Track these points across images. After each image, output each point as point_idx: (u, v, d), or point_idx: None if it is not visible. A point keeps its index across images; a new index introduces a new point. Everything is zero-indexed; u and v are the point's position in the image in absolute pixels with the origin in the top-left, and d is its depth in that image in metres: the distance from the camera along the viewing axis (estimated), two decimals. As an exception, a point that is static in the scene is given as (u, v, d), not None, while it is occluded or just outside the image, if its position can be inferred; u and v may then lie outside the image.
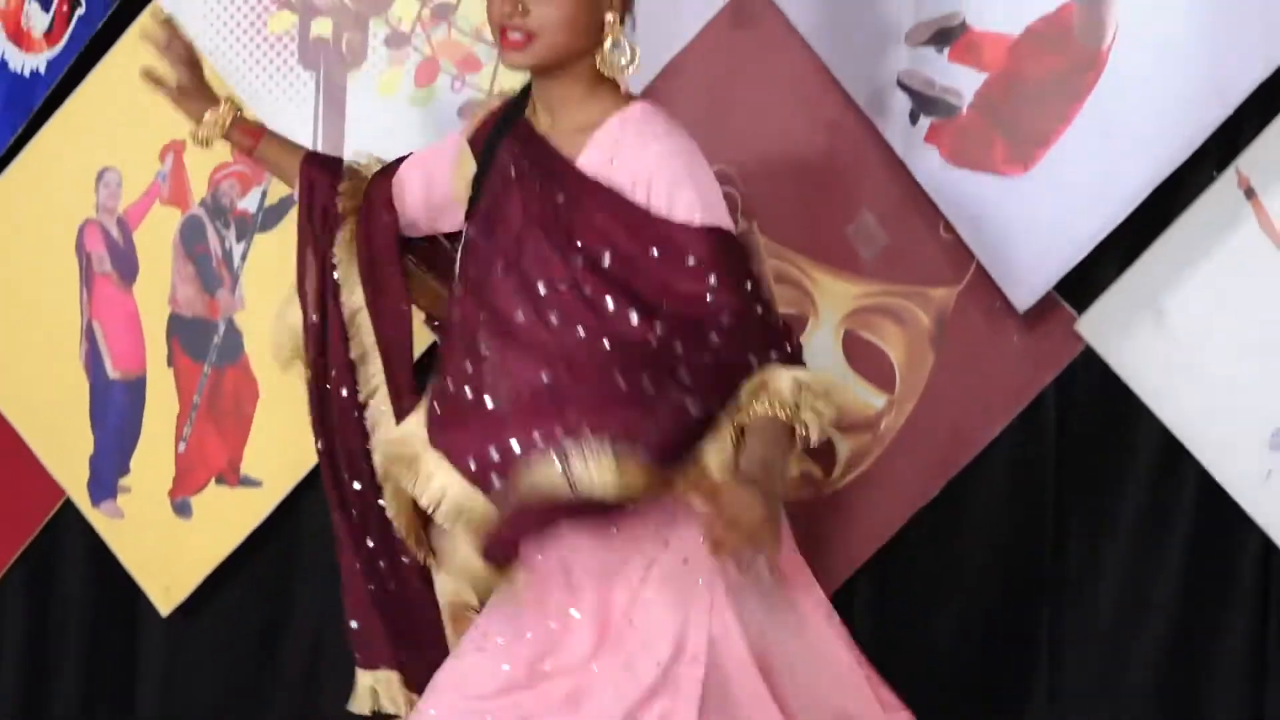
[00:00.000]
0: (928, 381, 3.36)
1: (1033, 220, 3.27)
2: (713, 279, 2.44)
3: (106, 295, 3.73)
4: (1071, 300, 3.28)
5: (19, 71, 3.78)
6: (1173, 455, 3.30)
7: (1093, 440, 3.37)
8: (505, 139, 2.63)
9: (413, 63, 3.52)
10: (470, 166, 2.68)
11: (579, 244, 2.49)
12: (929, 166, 3.29)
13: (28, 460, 3.81)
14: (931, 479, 3.37)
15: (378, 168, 2.84)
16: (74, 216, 3.75)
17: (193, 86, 2.90)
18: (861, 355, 3.38)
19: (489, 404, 2.51)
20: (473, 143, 2.71)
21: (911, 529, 3.40)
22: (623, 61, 2.55)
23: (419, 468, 2.56)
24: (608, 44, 2.54)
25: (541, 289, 2.49)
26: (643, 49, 3.31)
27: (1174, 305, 3.26)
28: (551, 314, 2.48)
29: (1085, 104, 3.23)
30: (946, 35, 3.28)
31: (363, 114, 3.54)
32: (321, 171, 2.84)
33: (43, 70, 3.75)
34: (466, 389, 2.54)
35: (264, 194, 3.59)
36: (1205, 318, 3.27)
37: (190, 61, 2.89)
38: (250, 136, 2.91)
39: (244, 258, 3.64)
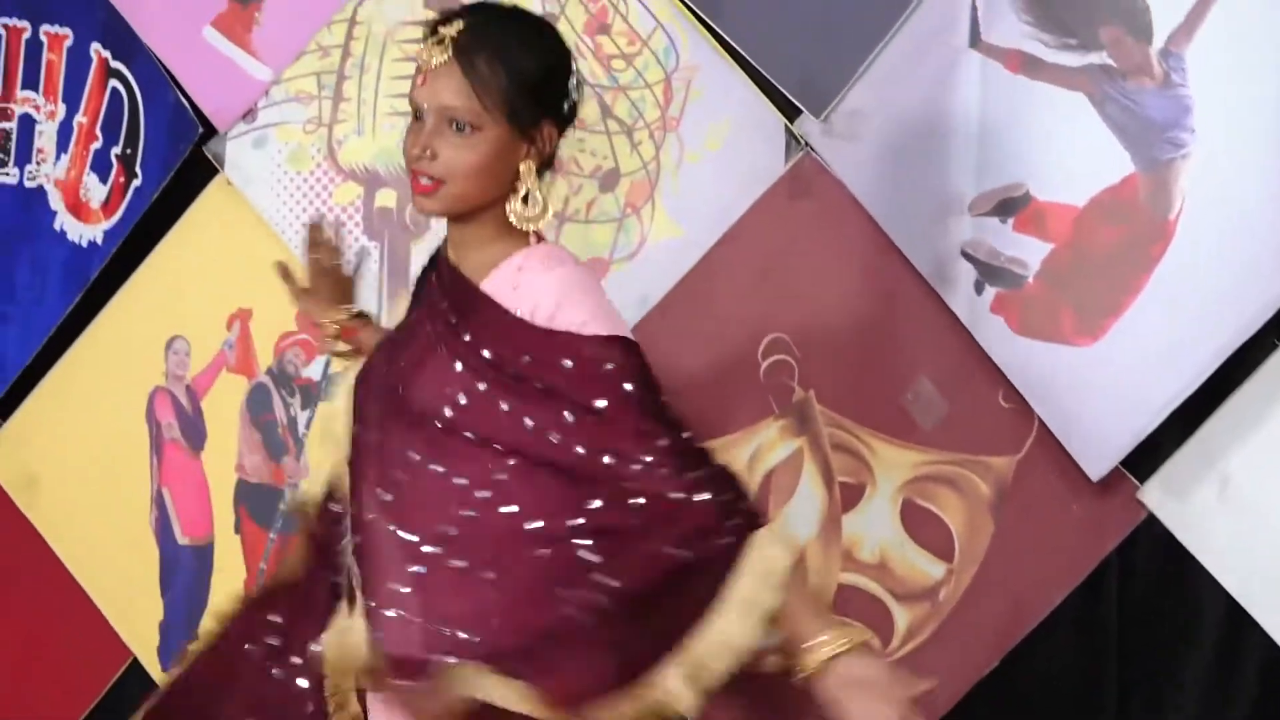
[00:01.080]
0: (987, 550, 3.39)
1: (1103, 390, 3.29)
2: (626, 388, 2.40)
3: (175, 462, 3.84)
4: (1132, 468, 3.30)
5: (77, 242, 3.89)
6: (1237, 623, 3.29)
7: (1155, 608, 3.37)
8: (425, 276, 2.63)
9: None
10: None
11: (485, 355, 2.43)
12: (996, 337, 3.33)
13: (97, 622, 3.91)
14: (991, 649, 3.38)
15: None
16: (144, 384, 3.86)
17: (319, 291, 2.90)
18: (920, 524, 3.41)
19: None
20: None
21: (972, 700, 3.40)
22: (530, 214, 2.49)
23: None
24: (518, 196, 2.48)
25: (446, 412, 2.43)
26: (696, 220, 3.44)
27: (1238, 472, 3.27)
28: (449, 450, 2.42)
29: (1153, 274, 3.25)
30: (1010, 205, 3.32)
31: None
32: None
33: (100, 241, 3.86)
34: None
35: (327, 362, 3.68)
36: (1269, 485, 3.27)
37: (329, 271, 2.91)
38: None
39: (308, 425, 3.73)
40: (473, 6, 2.54)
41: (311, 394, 3.72)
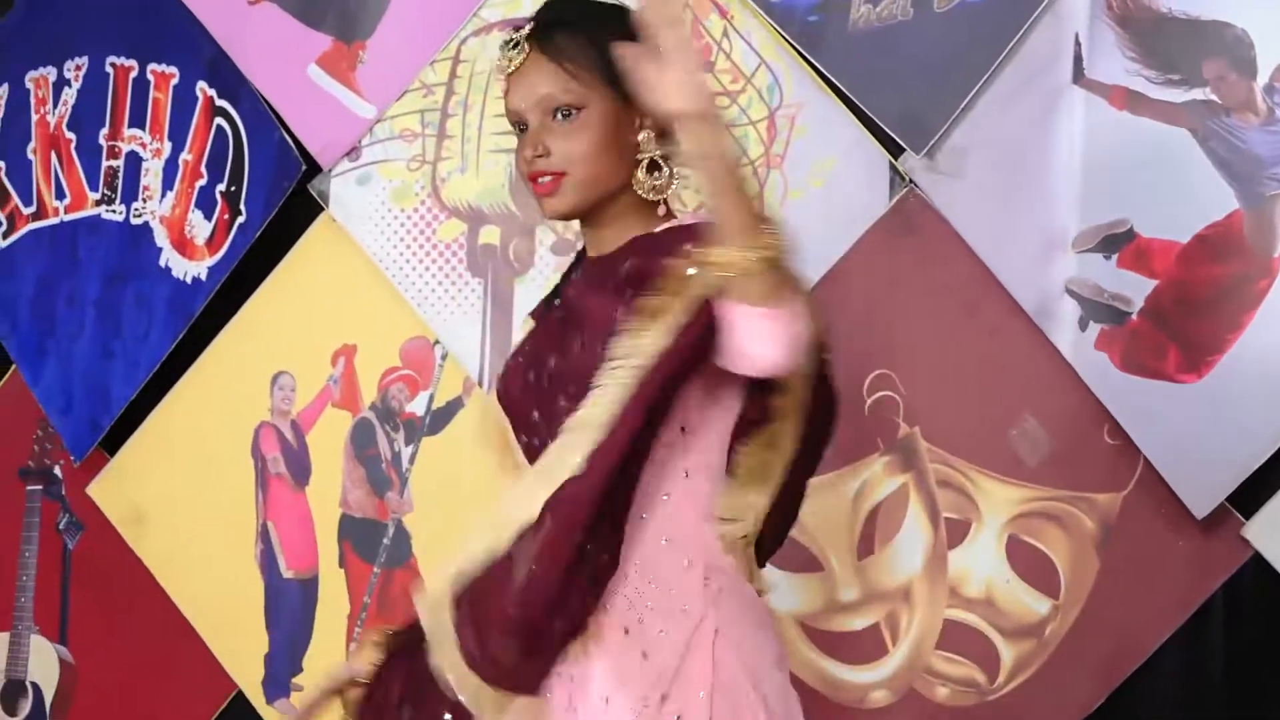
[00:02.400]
0: (1093, 587, 3.39)
1: (1208, 427, 3.30)
2: None
3: (281, 496, 3.87)
4: (1238, 504, 3.30)
5: (181, 278, 3.92)
6: (1348, 664, 3.29)
7: (1262, 647, 3.37)
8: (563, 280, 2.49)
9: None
10: None
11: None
12: (1100, 373, 3.35)
13: (201, 655, 3.94)
14: (1097, 686, 3.39)
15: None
16: (250, 419, 3.89)
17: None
18: (1025, 560, 3.42)
19: None
20: (534, 314, 2.53)
21: None
22: (659, 181, 2.33)
23: None
24: (641, 167, 2.32)
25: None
26: (803, 254, 3.46)
27: (1345, 509, 3.27)
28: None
29: (1258, 311, 3.27)
30: (1114, 242, 3.35)
31: None
32: None
33: (204, 277, 3.90)
34: None
35: (431, 397, 3.73)
36: (1378, 522, 3.28)
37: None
38: None
39: (412, 460, 3.76)
40: (538, 9, 2.43)
41: (415, 429, 3.75)
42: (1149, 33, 3.34)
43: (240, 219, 3.87)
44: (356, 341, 3.78)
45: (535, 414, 2.37)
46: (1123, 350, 3.35)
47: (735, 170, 2.14)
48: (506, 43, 2.38)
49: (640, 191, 2.34)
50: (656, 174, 2.33)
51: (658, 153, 2.33)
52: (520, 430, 2.42)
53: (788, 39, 3.52)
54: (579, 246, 2.46)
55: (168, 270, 3.95)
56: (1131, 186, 3.35)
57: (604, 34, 2.30)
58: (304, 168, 3.78)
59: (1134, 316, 3.35)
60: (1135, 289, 3.35)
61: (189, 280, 3.92)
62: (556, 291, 2.48)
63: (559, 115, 2.31)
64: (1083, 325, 3.36)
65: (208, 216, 3.92)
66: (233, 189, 3.88)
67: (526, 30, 2.37)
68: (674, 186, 2.35)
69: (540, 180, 2.33)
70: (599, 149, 2.32)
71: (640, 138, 2.33)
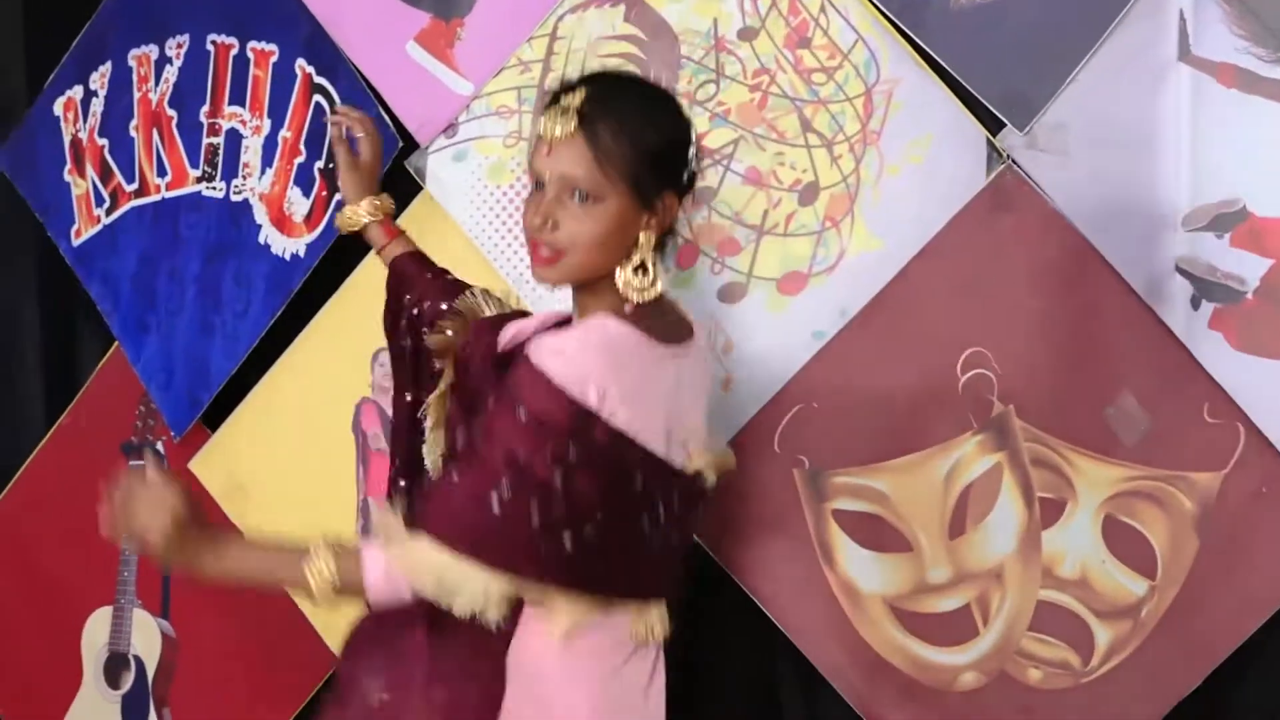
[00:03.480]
0: (1191, 568, 3.40)
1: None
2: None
3: (382, 472, 3.83)
4: (1343, 487, 3.29)
5: (280, 255, 3.98)
6: None
7: (1366, 627, 3.35)
8: None
9: (673, 246, 3.70)
10: None
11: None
12: (1215, 353, 3.36)
13: (302, 629, 3.99)
14: (1194, 668, 3.40)
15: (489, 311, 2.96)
16: (351, 395, 3.93)
17: (359, 165, 3.10)
18: (1122, 540, 3.43)
19: None
20: None
21: None
22: (640, 284, 2.57)
23: None
24: (630, 264, 2.56)
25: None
26: (895, 232, 3.47)
27: None
28: None
29: (1379, 284, 3.28)
30: (1226, 220, 3.36)
31: None
32: (435, 295, 3.02)
33: (302, 254, 3.95)
34: None
35: (528, 373, 3.79)
36: None
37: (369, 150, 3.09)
38: (386, 235, 3.10)
39: None
40: (595, 75, 2.60)
41: (512, 405, 3.80)
42: (1258, 10, 3.34)
43: (338, 196, 3.84)
44: None
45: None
46: (1238, 329, 3.36)
47: (243, 567, 2.59)
48: (554, 103, 2.54)
49: (620, 285, 2.58)
50: (643, 277, 2.56)
51: (649, 256, 2.56)
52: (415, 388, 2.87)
53: (887, 14, 3.54)
54: None
55: (266, 247, 4.01)
56: (1243, 165, 3.36)
57: (644, 134, 2.51)
58: (400, 144, 3.82)
59: (1249, 296, 3.36)
60: (1250, 268, 3.36)
61: (287, 257, 3.98)
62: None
63: (577, 196, 2.51)
64: (1195, 304, 3.38)
65: (306, 194, 3.97)
66: (330, 166, 3.91)
67: (577, 101, 2.52)
68: (650, 293, 2.58)
69: (541, 250, 2.56)
70: (603, 240, 2.55)
71: (641, 238, 2.57)
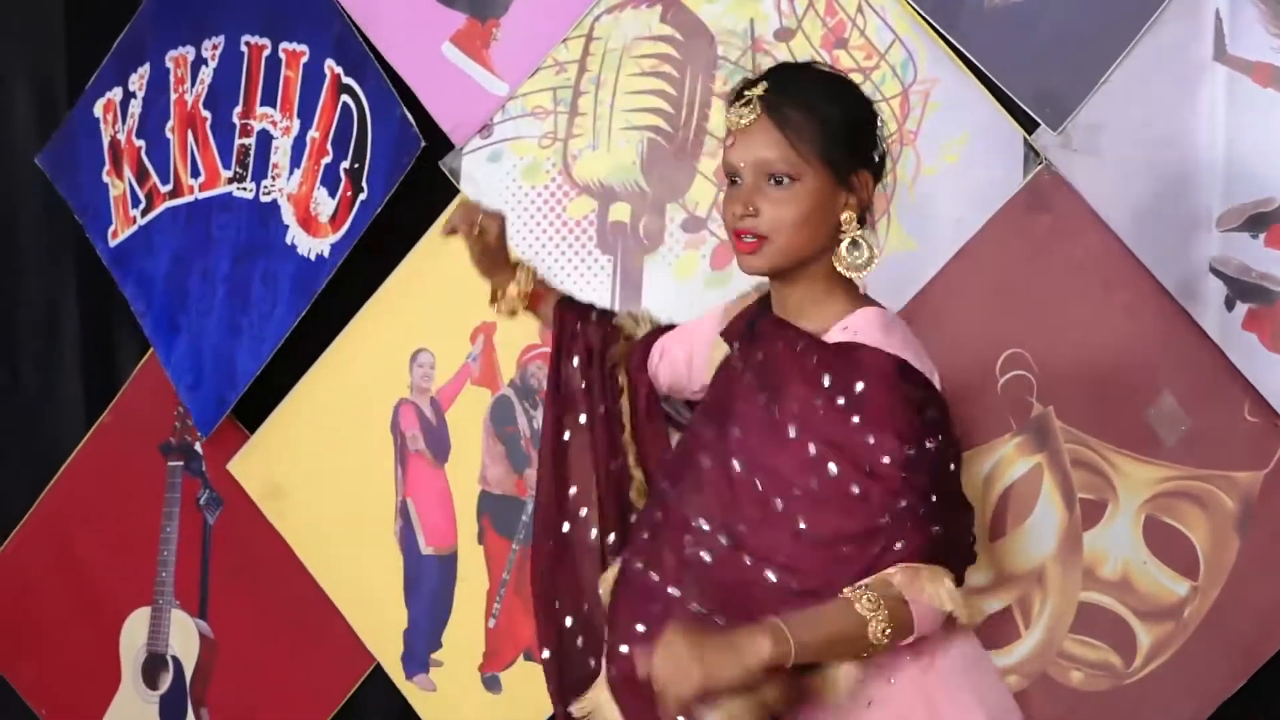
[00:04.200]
0: (1233, 567, 3.42)
1: (1367, 408, 3.32)
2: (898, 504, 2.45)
3: (420, 473, 3.94)
4: (1386, 487, 3.30)
5: (306, 255, 4.00)
6: None
7: None
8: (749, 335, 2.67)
9: (709, 246, 3.70)
10: (721, 352, 2.72)
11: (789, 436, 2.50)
12: (1249, 353, 3.38)
13: (340, 630, 4.03)
14: (1237, 668, 3.42)
15: (643, 329, 2.95)
16: (389, 396, 3.96)
17: (497, 251, 2.92)
18: (1163, 540, 3.45)
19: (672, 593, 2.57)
20: (726, 335, 2.72)
21: None
22: (859, 261, 2.54)
23: None
24: (844, 244, 2.53)
25: (759, 486, 2.52)
26: (932, 233, 3.49)
27: None
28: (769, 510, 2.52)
29: None
30: (1261, 220, 3.38)
31: (659, 297, 3.71)
32: (598, 331, 2.96)
33: (327, 254, 3.97)
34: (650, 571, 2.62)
35: (569, 374, 3.83)
36: None
37: (499, 235, 2.92)
38: (542, 302, 2.99)
39: None
40: (774, 68, 2.61)
41: (553, 406, 3.83)
42: (1293, 11, 3.36)
43: (362, 195, 3.93)
44: (495, 319, 3.73)
45: (708, 433, 2.61)
46: (1272, 330, 3.38)
47: (832, 646, 2.44)
48: (738, 98, 2.57)
49: (838, 266, 2.55)
50: (856, 253, 2.54)
51: (859, 233, 2.55)
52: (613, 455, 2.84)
53: (923, 15, 3.56)
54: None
55: (293, 248, 4.03)
56: (1278, 164, 3.39)
57: (832, 111, 2.52)
58: (423, 144, 3.82)
59: None
60: None
61: (313, 257, 4.00)
62: (751, 325, 2.67)
63: (774, 180, 2.52)
64: (1229, 304, 3.39)
65: (332, 194, 3.99)
66: (356, 166, 3.95)
67: (759, 90, 2.55)
68: (871, 267, 2.56)
69: (745, 239, 2.54)
70: (805, 220, 2.52)
71: (843, 217, 2.54)
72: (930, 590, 2.45)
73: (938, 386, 2.53)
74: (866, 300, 2.60)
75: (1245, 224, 3.39)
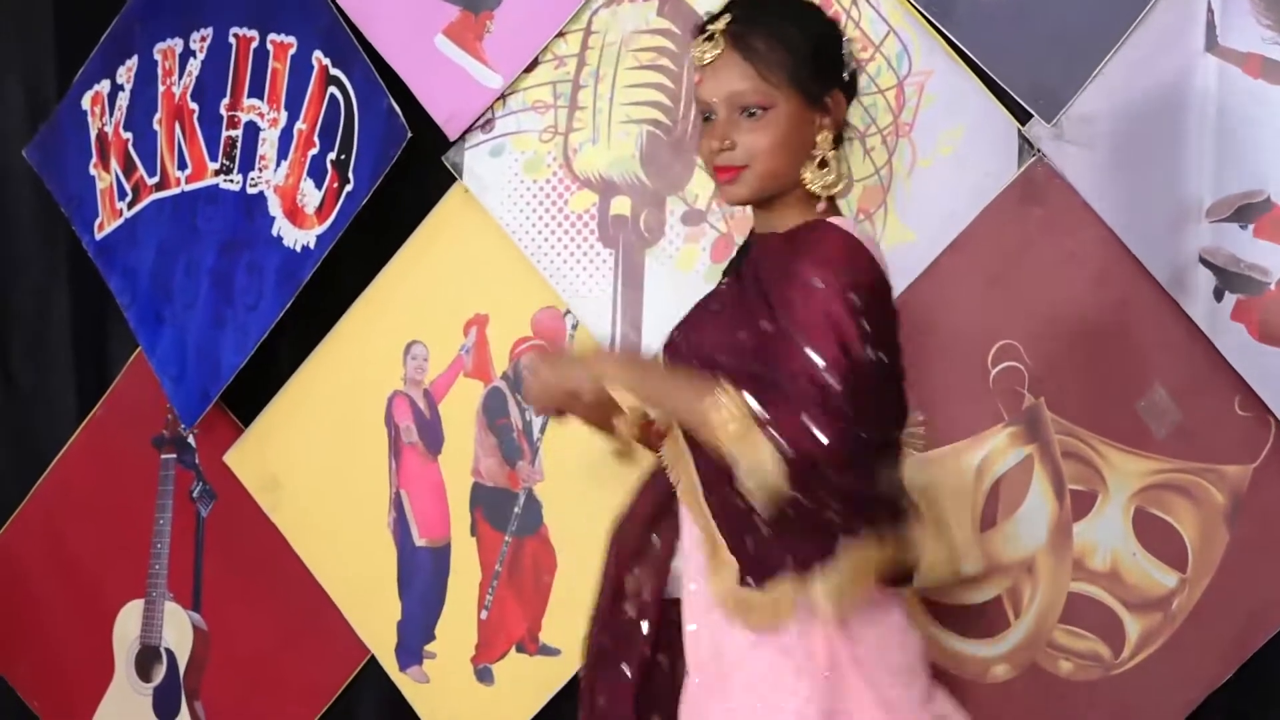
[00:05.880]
0: (1221, 560, 3.45)
1: (1353, 398, 3.35)
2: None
3: (413, 465, 3.99)
4: (1374, 479, 3.32)
5: (292, 247, 4.04)
6: None
7: (1396, 619, 3.37)
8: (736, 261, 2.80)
9: (709, 239, 3.74)
10: None
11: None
12: (1237, 344, 3.40)
13: (334, 622, 4.07)
14: (1225, 661, 3.45)
15: None
16: (383, 388, 4.01)
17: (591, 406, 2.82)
18: (1153, 532, 3.48)
19: None
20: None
21: (1203, 713, 3.47)
22: (827, 179, 2.64)
23: None
24: (813, 163, 2.63)
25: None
26: (927, 225, 3.51)
27: None
28: None
29: (1402, 282, 3.31)
30: (1250, 211, 3.41)
31: (661, 289, 3.77)
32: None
33: (312, 245, 4.00)
34: None
35: (560, 367, 3.87)
36: None
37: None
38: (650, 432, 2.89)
39: (543, 430, 3.88)
40: (733, 1, 2.69)
41: (546, 399, 3.88)
42: (1284, 2, 3.39)
43: (348, 187, 3.96)
44: (488, 311, 3.88)
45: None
46: (1260, 321, 3.40)
47: (664, 396, 2.63)
48: (700, 34, 2.65)
49: (811, 186, 2.66)
50: (825, 170, 2.63)
51: (830, 153, 2.64)
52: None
53: (917, 7, 3.59)
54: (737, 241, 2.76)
55: (279, 239, 4.07)
56: (1268, 156, 3.41)
57: (795, 36, 2.61)
58: (410, 135, 3.86)
59: (1272, 287, 3.40)
60: (1273, 259, 3.40)
61: (299, 249, 4.04)
62: (734, 265, 2.77)
63: (746, 113, 2.61)
64: (1218, 295, 3.42)
65: (318, 185, 4.02)
66: (342, 157, 3.99)
67: (722, 25, 2.63)
68: (839, 188, 2.68)
69: (722, 172, 2.65)
70: (781, 145, 2.63)
71: (818, 138, 2.65)
72: (764, 448, 2.46)
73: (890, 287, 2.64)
74: (832, 207, 2.70)
75: (1234, 215, 3.42)
